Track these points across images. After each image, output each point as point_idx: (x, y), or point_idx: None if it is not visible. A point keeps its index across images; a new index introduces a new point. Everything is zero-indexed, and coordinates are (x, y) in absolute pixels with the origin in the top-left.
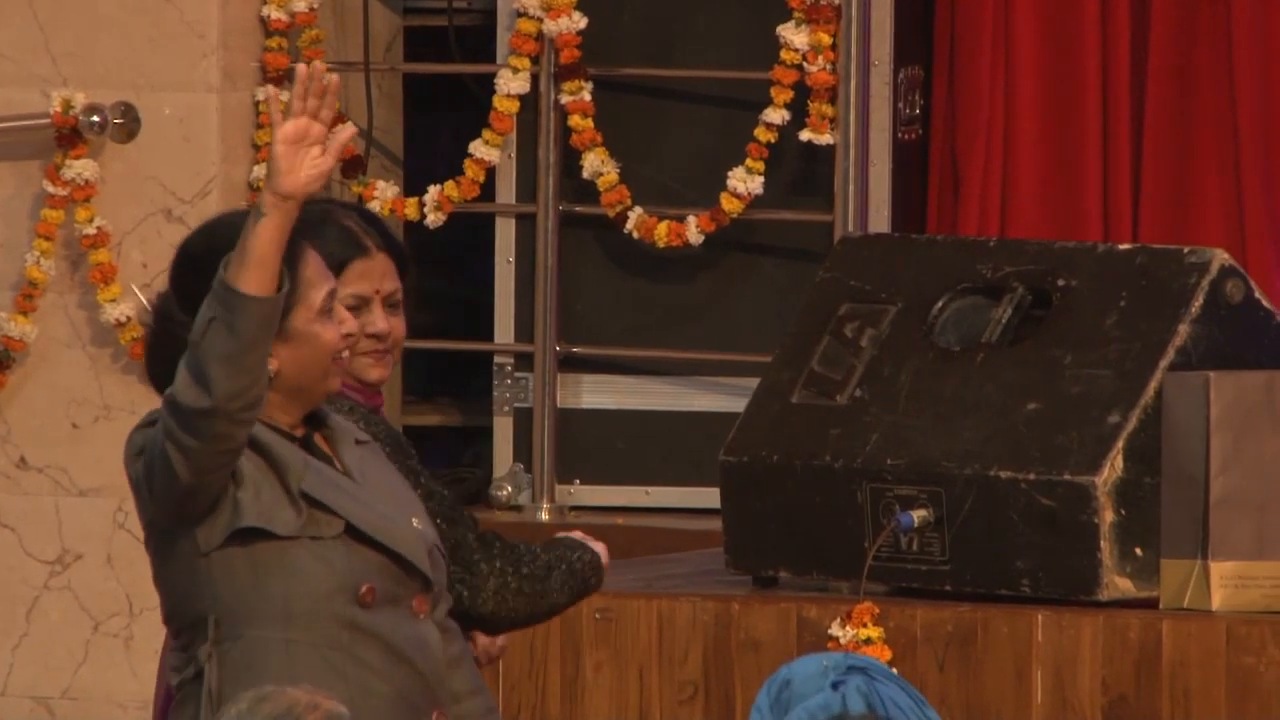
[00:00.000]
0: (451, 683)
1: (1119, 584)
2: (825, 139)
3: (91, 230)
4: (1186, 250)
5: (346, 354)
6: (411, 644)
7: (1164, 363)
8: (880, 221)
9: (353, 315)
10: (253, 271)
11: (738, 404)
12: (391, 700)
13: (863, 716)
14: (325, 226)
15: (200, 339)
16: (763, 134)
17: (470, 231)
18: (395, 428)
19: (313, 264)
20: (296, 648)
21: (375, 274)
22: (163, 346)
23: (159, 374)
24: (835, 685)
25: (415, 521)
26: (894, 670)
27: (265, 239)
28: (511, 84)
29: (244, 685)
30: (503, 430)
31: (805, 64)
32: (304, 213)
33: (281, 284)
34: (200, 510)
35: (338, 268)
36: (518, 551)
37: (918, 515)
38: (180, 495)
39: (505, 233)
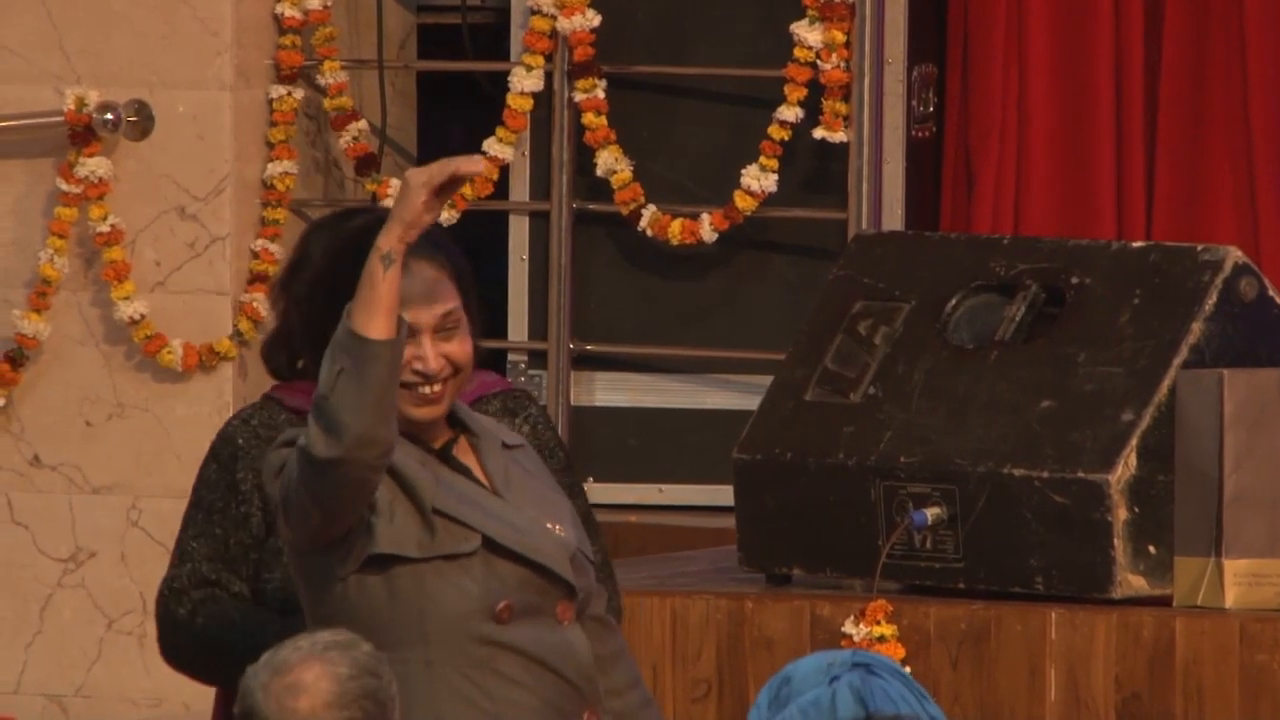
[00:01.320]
0: (610, 678)
1: (1132, 582)
2: (839, 137)
3: (105, 228)
4: (1200, 248)
5: (435, 388)
6: (555, 652)
7: (1177, 360)
8: (894, 219)
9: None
10: (380, 317)
11: (751, 402)
12: (537, 710)
13: (851, 710)
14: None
15: (330, 392)
16: (776, 132)
17: (484, 229)
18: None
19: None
20: (435, 668)
21: None
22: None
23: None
24: (832, 681)
25: (557, 528)
26: (905, 668)
27: (392, 284)
28: (525, 82)
29: None
30: None
31: (819, 62)
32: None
33: (399, 326)
34: (335, 538)
35: None
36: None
37: (931, 513)
38: (314, 531)
39: (519, 230)
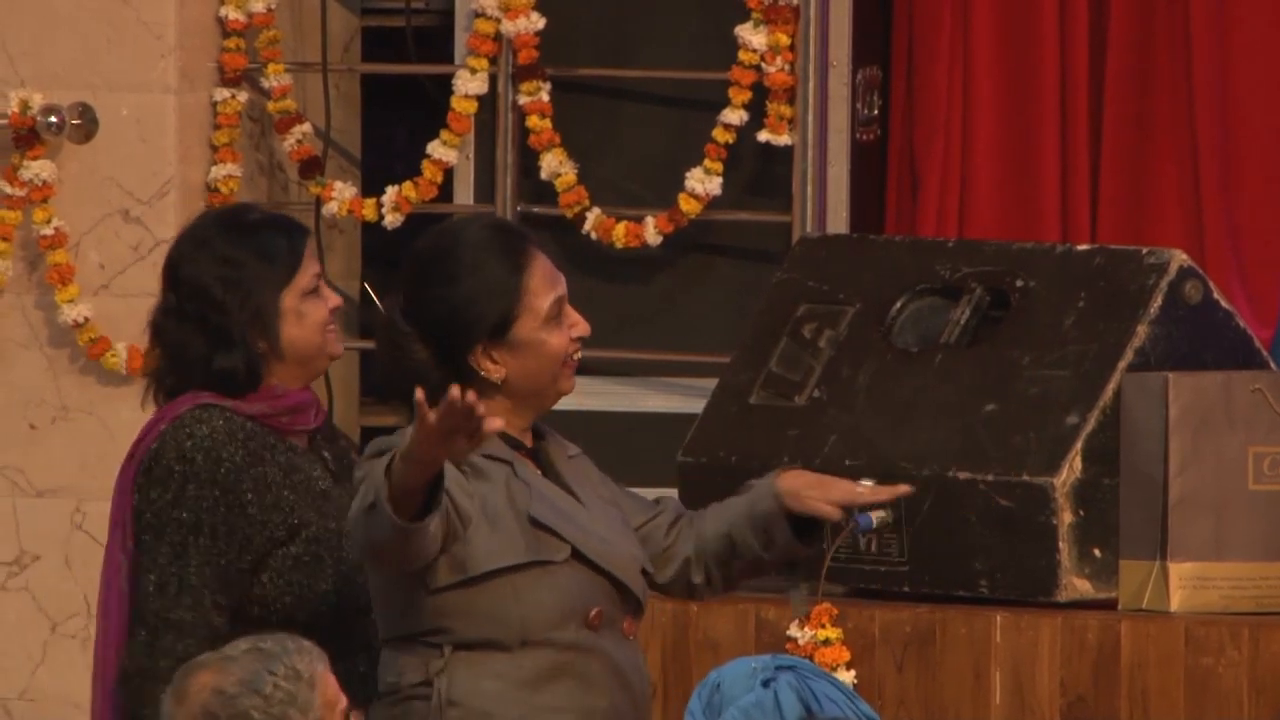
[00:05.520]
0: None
1: (1077, 585)
2: (783, 140)
3: (49, 231)
4: (1145, 251)
5: (577, 355)
6: (628, 665)
7: (1122, 364)
8: (838, 222)
9: (321, 295)
10: (399, 498)
11: (696, 405)
12: (608, 717)
13: (795, 712)
14: (260, 229)
15: (362, 514)
16: (721, 135)
17: None
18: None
19: (539, 271)
20: (524, 671)
21: (314, 255)
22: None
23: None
24: (765, 683)
25: (631, 544)
26: (850, 671)
27: (402, 478)
28: (469, 85)
29: (473, 700)
30: None
31: (763, 64)
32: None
33: (424, 514)
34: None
35: (300, 255)
36: None
37: (876, 516)
38: (395, 571)
39: None
